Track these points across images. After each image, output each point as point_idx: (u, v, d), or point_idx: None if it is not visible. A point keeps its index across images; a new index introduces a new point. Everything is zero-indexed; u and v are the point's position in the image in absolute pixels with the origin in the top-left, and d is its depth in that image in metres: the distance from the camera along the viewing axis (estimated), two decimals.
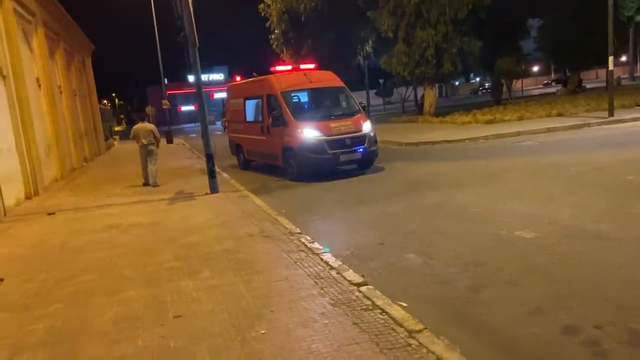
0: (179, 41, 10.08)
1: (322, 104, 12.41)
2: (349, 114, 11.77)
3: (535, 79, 69.04)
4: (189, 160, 17.25)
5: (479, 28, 25.61)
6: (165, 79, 32.24)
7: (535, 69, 63.39)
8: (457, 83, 72.03)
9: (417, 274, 4.90)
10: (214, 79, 67.12)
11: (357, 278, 4.69)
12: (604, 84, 42.24)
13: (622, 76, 44.99)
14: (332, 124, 11.10)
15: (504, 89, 35.77)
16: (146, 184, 12.01)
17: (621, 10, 27.68)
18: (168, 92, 35.89)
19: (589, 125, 16.22)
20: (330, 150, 10.78)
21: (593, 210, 6.46)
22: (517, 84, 43.01)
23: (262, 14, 31.72)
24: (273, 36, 32.80)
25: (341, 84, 12.67)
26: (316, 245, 5.91)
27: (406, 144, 16.36)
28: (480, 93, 65.36)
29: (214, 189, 10.13)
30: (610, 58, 16.84)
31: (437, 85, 31.82)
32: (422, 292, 4.47)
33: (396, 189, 9.43)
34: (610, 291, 4.07)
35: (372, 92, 42.99)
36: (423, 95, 28.95)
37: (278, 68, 13.08)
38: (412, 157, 12.98)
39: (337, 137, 10.88)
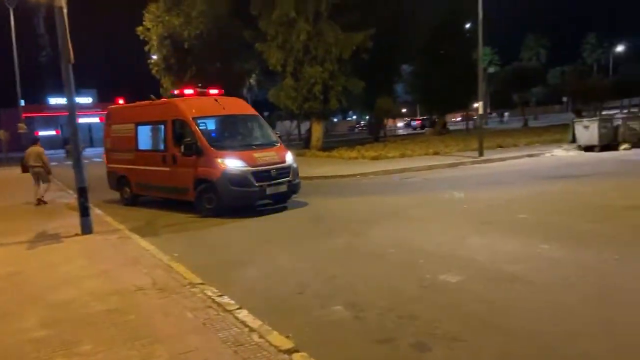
0: (40, 60, 8.56)
1: (239, 132, 11.43)
2: (270, 144, 11.13)
3: (402, 119, 74.92)
4: (49, 193, 14.91)
5: (361, 69, 26.87)
6: (22, 101, 28.45)
7: (404, 110, 69.00)
8: (335, 120, 75.17)
9: (351, 332, 4.30)
10: (81, 102, 61.31)
11: (285, 342, 3.94)
12: (462, 126, 47.33)
13: (481, 120, 50.72)
14: (255, 154, 10.25)
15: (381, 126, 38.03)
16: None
17: (477, 62, 31.43)
18: (24, 115, 31.81)
19: (463, 164, 17.50)
20: (257, 182, 9.90)
21: (505, 250, 6.51)
22: (388, 123, 46.18)
23: (141, 37, 29.81)
24: (152, 61, 30.94)
25: (254, 112, 11.94)
26: (226, 299, 5.03)
27: (301, 177, 16.00)
28: (356, 130, 68.92)
29: (86, 229, 8.58)
30: (480, 103, 18.59)
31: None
32: (363, 355, 3.88)
33: (306, 227, 8.88)
34: (556, 342, 3.88)
35: None
36: (309, 130, 29.32)
37: (186, 92, 11.44)
38: (312, 192, 12.61)
39: (262, 168, 10.06)
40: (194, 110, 10.68)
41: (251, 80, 35.02)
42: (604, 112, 38.39)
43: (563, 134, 22.49)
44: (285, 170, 10.53)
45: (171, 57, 29.47)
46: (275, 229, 9.07)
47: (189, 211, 10.56)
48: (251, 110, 12.00)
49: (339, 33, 23.82)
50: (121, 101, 13.12)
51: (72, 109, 8.62)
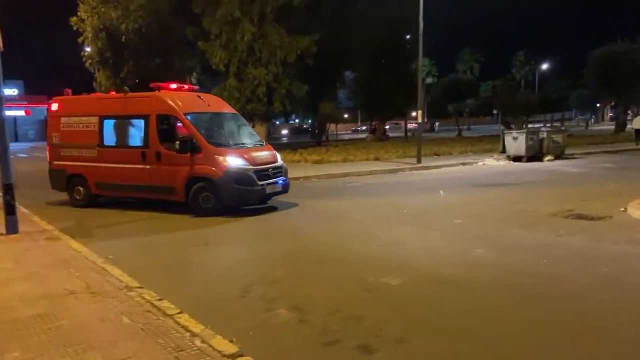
0: None
1: (228, 130, 11.01)
2: (260, 143, 11.13)
3: (345, 125, 76.07)
4: None
5: (305, 73, 27.04)
6: None
7: (346, 115, 70.10)
8: (277, 122, 74.97)
9: (296, 334, 4.30)
10: (7, 94, 57.04)
11: (229, 347, 3.87)
12: (401, 134, 48.82)
13: (420, 129, 52.56)
14: (253, 153, 10.14)
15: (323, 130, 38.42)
16: None
17: (416, 72, 32.65)
18: None
19: (403, 170, 18.05)
20: (258, 181, 9.78)
21: (443, 254, 6.79)
22: (331, 128, 46.80)
23: (75, 28, 28.25)
24: (86, 54, 29.42)
25: (235, 111, 11.82)
26: (166, 303, 4.86)
27: None
28: (299, 133, 69.20)
29: (11, 228, 7.98)
30: (420, 112, 19.24)
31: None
32: (308, 358, 3.88)
33: (250, 230, 8.77)
34: (492, 341, 4.09)
35: None
36: None
37: (171, 86, 11.02)
38: None
39: (262, 167, 10.01)
40: (181, 105, 10.21)
41: (192, 79, 34.13)
42: (530, 126, 41.07)
43: (494, 144, 23.77)
44: (279, 170, 10.61)
45: (107, 51, 28.15)
46: (218, 231, 8.89)
47: (135, 209, 10.12)
48: (232, 109, 11.85)
49: (284, 36, 23.87)
50: (69, 92, 11.92)
51: (0, 101, 8.00)
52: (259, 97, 24.14)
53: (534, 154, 19.92)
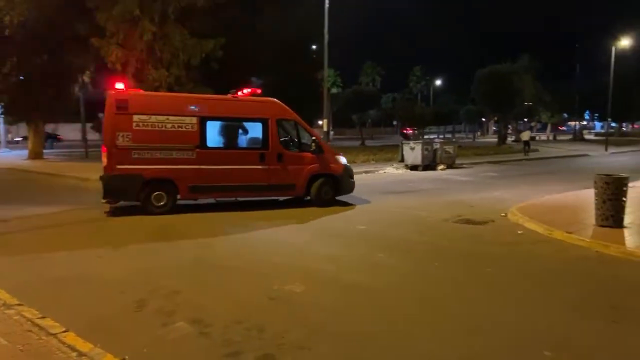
0: None
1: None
2: None
3: None
4: None
5: (211, 78, 26.36)
6: None
7: None
8: None
9: (196, 348, 4.12)
10: None
11: None
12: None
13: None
14: None
15: None
16: None
17: (322, 82, 33.46)
18: None
19: None
20: None
21: (346, 260, 6.95)
22: None
23: None
24: None
25: None
26: (50, 321, 4.41)
27: None
28: None
29: None
30: (325, 121, 19.74)
31: None
32: None
33: (147, 239, 8.26)
34: (392, 342, 4.24)
35: (88, 125, 38.90)
36: None
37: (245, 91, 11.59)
38: None
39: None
40: (289, 112, 11.41)
41: (85, 78, 31.73)
42: (425, 137, 43.86)
43: (394, 153, 25.00)
44: None
45: None
46: (108, 240, 8.27)
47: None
48: None
49: (188, 38, 23.06)
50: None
51: None
52: None
53: (429, 163, 21.28)
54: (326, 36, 18.82)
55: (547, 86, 50.81)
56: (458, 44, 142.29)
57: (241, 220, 9.99)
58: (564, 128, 68.99)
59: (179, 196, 10.49)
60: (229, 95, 11.70)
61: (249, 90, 11.69)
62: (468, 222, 9.73)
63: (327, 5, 18.71)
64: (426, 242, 8.11)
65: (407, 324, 4.68)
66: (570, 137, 58.02)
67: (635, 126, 76.72)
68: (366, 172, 20.32)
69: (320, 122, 28.30)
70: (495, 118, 50.27)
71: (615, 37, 37.08)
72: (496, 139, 44.44)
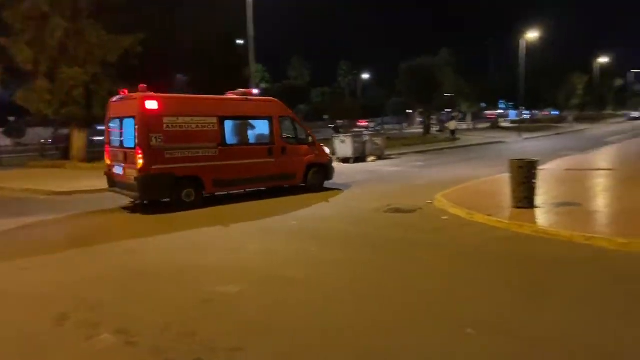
0: None
1: None
2: None
3: None
4: None
5: (132, 75, 25.19)
6: None
7: None
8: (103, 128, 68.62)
9: (121, 359, 3.93)
10: None
11: None
12: None
13: None
14: None
15: None
16: None
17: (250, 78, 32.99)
18: None
19: None
20: None
21: (281, 256, 6.93)
22: None
23: None
24: None
25: None
26: None
27: (56, 193, 14.00)
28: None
29: None
30: None
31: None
32: None
33: (68, 248, 7.72)
34: (328, 337, 4.29)
35: None
36: (68, 138, 25.93)
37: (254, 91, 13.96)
38: (72, 209, 11.12)
39: None
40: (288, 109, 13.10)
41: None
42: (355, 130, 44.66)
43: (325, 147, 25.24)
44: None
45: None
46: (24, 250, 7.66)
47: None
48: None
49: (104, 34, 21.84)
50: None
51: None
52: (75, 100, 21.64)
53: (359, 156, 21.71)
54: (251, 30, 18.59)
55: (466, 78, 53.51)
56: (382, 39, 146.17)
57: (171, 222, 9.64)
58: (495, 114, 72.47)
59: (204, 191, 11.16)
60: (233, 96, 12.37)
61: (247, 90, 13.23)
62: (397, 210, 10.05)
63: (250, 1, 18.44)
64: (359, 233, 8.28)
65: (340, 315, 4.73)
66: (488, 125, 61.57)
67: (545, 113, 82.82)
68: None
69: None
70: (421, 110, 52.21)
71: (523, 32, 39.76)
72: (422, 130, 46.18)
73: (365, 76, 73.56)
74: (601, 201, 9.74)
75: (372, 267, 6.31)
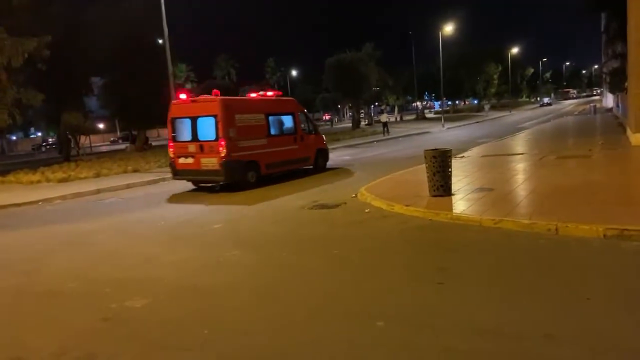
0: None
1: None
2: None
3: (102, 136, 69.36)
4: None
5: (40, 80, 23.52)
6: None
7: (102, 125, 64.06)
8: (14, 138, 63.57)
9: None
10: None
11: None
12: (166, 142, 46.97)
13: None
14: None
15: (72, 145, 34.14)
16: None
17: (174, 78, 31.72)
18: None
19: (164, 179, 17.30)
20: None
21: (197, 263, 6.65)
22: (85, 141, 42.05)
23: None
24: None
25: None
26: None
27: None
28: (44, 149, 59.94)
29: None
30: None
31: None
32: None
33: None
34: (251, 341, 4.15)
35: None
36: None
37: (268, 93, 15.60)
38: None
39: None
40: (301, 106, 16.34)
41: None
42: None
43: None
44: None
45: None
46: None
47: None
48: None
49: (5, 37, 20.16)
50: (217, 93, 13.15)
51: None
52: None
53: None
54: (165, 30, 17.88)
55: (390, 71, 55.02)
56: (309, 35, 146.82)
57: (81, 234, 9.03)
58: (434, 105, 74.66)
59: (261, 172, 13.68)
60: (270, 97, 15.28)
61: (273, 92, 16.08)
62: (322, 206, 10.06)
63: None
64: (281, 232, 8.18)
65: (245, 323, 4.54)
66: (414, 116, 63.78)
67: (467, 102, 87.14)
68: None
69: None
70: (349, 104, 52.99)
71: (441, 25, 41.42)
72: (351, 124, 46.94)
73: (294, 72, 73.61)
74: (512, 185, 10.28)
75: (289, 267, 6.21)
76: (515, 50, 70.83)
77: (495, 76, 69.96)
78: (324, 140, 16.87)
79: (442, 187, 9.35)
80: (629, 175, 10.80)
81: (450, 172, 9.50)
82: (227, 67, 70.92)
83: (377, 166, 16.31)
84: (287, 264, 6.34)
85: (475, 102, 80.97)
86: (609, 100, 41.11)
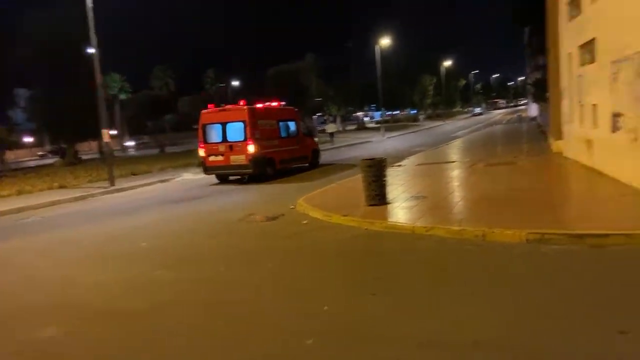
0: None
1: None
2: None
3: (30, 150, 65.03)
4: None
5: None
6: None
7: (30, 139, 60.27)
8: None
9: None
10: None
11: None
12: (98, 155, 44.90)
13: (114, 148, 49.14)
14: None
15: None
16: None
17: (107, 89, 30.46)
18: None
19: (93, 195, 16.44)
20: None
21: (123, 283, 6.27)
22: (10, 155, 39.32)
23: None
24: None
25: None
26: None
27: None
28: None
29: None
30: (105, 131, 17.88)
31: None
32: None
33: None
34: None
35: None
36: None
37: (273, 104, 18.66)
38: None
39: None
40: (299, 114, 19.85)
41: None
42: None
43: (194, 158, 24.26)
44: None
45: None
46: None
47: None
48: None
49: None
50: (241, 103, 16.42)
51: None
52: None
53: None
54: (94, 39, 17.09)
55: (331, 82, 55.73)
56: (248, 46, 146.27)
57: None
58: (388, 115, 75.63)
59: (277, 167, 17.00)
60: (278, 106, 19.00)
61: (277, 102, 19.14)
62: (261, 219, 9.89)
63: (90, 5, 16.93)
64: (217, 246, 7.94)
65: (169, 349, 4.31)
66: (355, 126, 64.87)
67: (404, 112, 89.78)
68: (161, 181, 19.35)
69: (112, 132, 25.58)
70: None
71: (378, 37, 42.55)
72: None
73: (235, 83, 72.73)
74: (444, 192, 10.59)
75: (220, 284, 5.98)
76: (448, 62, 74.10)
77: (430, 87, 72.71)
78: (317, 143, 20.72)
79: (377, 196, 9.46)
80: (549, 181, 11.46)
81: (386, 181, 9.65)
82: (165, 77, 68.85)
83: (323, 174, 16.33)
84: (217, 281, 6.12)
85: (413, 112, 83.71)
86: (534, 110, 43.80)
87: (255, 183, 15.88)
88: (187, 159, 26.44)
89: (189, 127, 59.17)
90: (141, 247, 8.27)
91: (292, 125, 18.40)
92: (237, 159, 15.88)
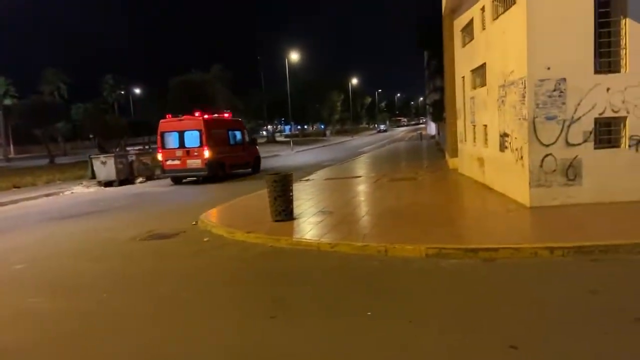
0: None
1: None
2: None
3: None
4: None
5: None
6: None
7: None
8: None
9: None
10: None
11: None
12: None
13: None
14: None
15: None
16: None
17: None
18: None
19: None
20: None
21: None
22: None
23: None
24: None
25: None
26: None
27: None
28: None
29: None
30: None
31: None
32: None
33: None
34: None
35: None
36: None
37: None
38: None
39: None
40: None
41: None
42: (128, 149, 41.26)
43: (86, 170, 22.41)
44: None
45: None
46: None
47: None
48: None
49: None
50: (197, 114, 18.90)
51: None
52: None
53: (126, 177, 19.87)
54: None
55: (240, 95, 54.96)
56: (153, 54, 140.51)
57: None
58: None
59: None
60: (227, 117, 21.59)
61: (227, 113, 22.23)
62: (158, 236, 9.24)
63: None
64: (102, 270, 7.17)
65: None
66: (265, 139, 64.56)
67: (314, 127, 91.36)
68: (47, 195, 17.59)
69: None
70: None
71: (288, 53, 42.90)
72: None
73: (137, 91, 69.00)
74: (350, 207, 10.66)
75: (102, 314, 5.33)
76: (355, 80, 76.88)
77: (338, 103, 74.74)
78: (258, 151, 23.02)
79: (284, 211, 9.25)
80: (446, 197, 12.05)
81: (292, 196, 9.48)
82: (57, 82, 63.22)
83: (222, 189, 15.77)
84: (100, 311, 5.46)
85: (322, 127, 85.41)
86: (433, 128, 46.67)
87: (161, 193, 15.04)
88: (79, 171, 24.37)
89: (86, 136, 54.89)
90: (15, 271, 7.26)
91: (238, 135, 21.01)
92: (194, 162, 18.14)
